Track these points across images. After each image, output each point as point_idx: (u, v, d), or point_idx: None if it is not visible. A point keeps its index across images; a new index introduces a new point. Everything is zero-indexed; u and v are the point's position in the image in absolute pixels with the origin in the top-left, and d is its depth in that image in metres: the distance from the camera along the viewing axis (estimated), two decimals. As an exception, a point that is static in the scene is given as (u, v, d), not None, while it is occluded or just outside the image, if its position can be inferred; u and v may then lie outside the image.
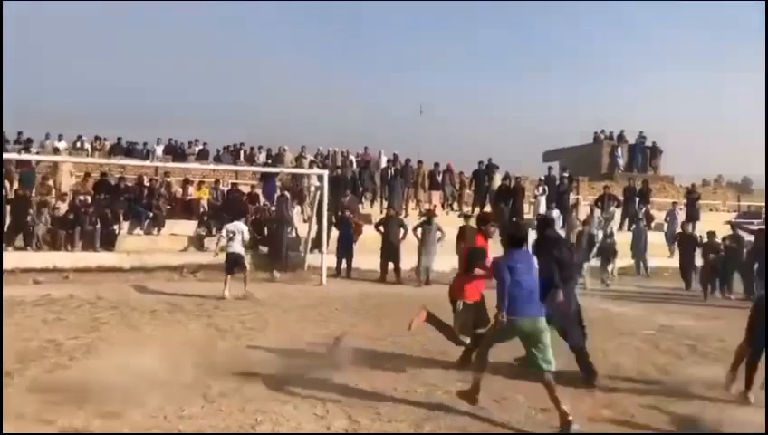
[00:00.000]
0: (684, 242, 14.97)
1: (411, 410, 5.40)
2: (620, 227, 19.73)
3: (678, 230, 16.95)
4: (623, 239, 17.14)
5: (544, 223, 7.51)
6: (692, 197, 21.67)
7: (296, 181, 19.77)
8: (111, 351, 7.24)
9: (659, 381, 6.59)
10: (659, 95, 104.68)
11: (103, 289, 11.62)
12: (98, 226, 14.87)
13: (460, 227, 14.65)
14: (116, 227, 15.40)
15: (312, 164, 20.89)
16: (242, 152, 25.43)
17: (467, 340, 6.70)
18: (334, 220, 15.67)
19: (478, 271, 6.55)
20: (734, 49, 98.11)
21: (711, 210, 26.65)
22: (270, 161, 23.35)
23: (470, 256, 6.74)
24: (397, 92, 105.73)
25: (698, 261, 14.50)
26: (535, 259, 6.00)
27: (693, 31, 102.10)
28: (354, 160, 23.38)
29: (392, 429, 5.06)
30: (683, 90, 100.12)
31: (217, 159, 24.12)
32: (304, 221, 16.91)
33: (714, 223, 16.85)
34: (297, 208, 18.15)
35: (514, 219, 16.88)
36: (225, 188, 18.43)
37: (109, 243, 14.95)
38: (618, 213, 20.34)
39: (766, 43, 42.57)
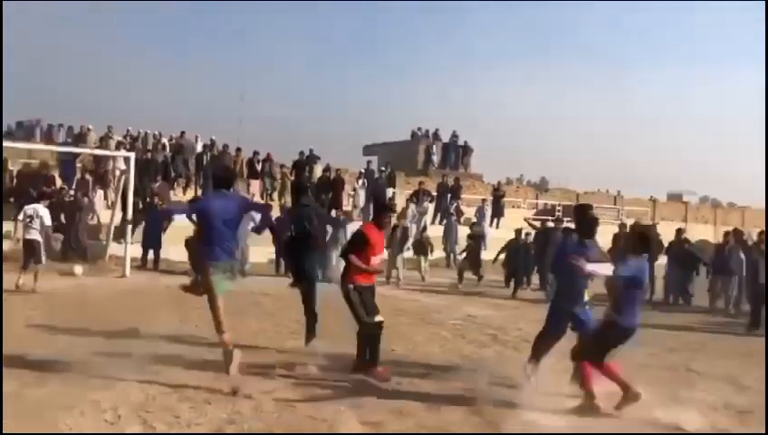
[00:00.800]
0: (472, 239, 15.77)
1: (213, 413, 5.02)
2: (433, 222, 20.65)
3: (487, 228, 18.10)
4: (435, 233, 17.88)
5: (298, 190, 8.00)
6: (498, 194, 23.31)
7: (100, 164, 18.23)
8: None
9: (465, 368, 6.80)
10: (473, 95, 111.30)
11: None
12: None
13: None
14: None
15: (119, 145, 19.35)
16: (38, 129, 23.11)
17: (377, 318, 6.30)
18: (141, 207, 14.67)
19: (353, 259, 6.29)
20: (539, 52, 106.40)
21: (514, 207, 28.71)
22: (70, 141, 21.36)
23: (351, 240, 6.64)
24: (220, 77, 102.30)
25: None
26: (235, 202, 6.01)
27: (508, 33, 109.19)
28: (167, 144, 22.08)
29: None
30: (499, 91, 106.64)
31: (9, 136, 21.64)
32: (108, 208, 15.68)
33: (516, 219, 18.15)
34: (100, 193, 16.81)
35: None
36: (15, 169, 16.55)
37: None
38: (431, 208, 21.25)
39: (766, 44, 46.35)
